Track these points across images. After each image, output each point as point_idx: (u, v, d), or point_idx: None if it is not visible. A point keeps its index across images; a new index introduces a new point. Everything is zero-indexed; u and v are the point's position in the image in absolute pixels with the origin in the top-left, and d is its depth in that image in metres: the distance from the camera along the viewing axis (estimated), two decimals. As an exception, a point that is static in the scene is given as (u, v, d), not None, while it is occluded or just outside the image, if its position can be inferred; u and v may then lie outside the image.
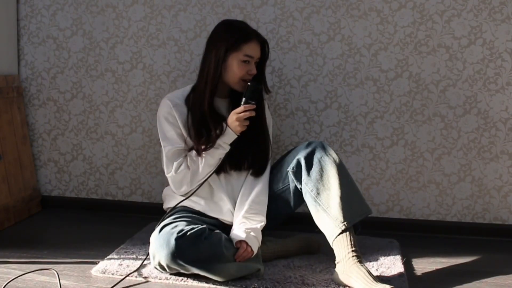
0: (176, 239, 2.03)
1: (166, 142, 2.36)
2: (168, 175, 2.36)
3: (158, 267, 2.14)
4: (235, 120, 2.25)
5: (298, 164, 2.30)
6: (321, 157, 2.26)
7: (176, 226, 2.12)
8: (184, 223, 2.18)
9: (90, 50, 3.04)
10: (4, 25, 2.97)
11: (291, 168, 2.31)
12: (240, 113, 2.25)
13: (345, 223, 2.12)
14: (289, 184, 2.38)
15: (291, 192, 2.38)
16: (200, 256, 2.05)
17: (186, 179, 2.33)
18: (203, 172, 2.32)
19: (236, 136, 2.30)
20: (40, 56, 3.09)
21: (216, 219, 2.37)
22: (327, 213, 2.17)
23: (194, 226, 2.12)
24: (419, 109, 2.82)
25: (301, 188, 2.30)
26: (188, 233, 2.05)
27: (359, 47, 2.82)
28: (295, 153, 2.36)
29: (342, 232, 2.12)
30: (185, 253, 2.04)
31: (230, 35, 2.34)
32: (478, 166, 2.83)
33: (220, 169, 2.37)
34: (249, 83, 2.28)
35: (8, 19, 3.00)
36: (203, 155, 2.30)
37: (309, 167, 2.27)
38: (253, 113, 2.26)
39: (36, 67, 3.11)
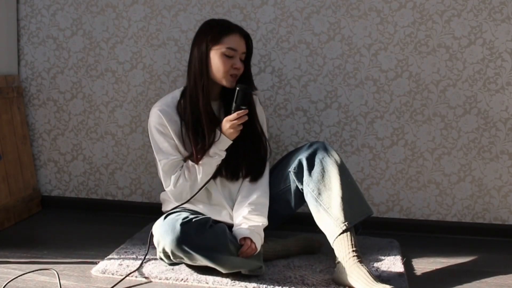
0: (182, 225, 2.04)
1: (160, 155, 2.33)
2: (167, 189, 2.34)
3: (162, 255, 2.15)
4: (229, 127, 2.23)
5: (300, 164, 2.30)
6: (322, 158, 2.27)
7: (180, 214, 2.15)
8: (188, 212, 2.21)
9: (90, 50, 3.05)
10: (4, 25, 2.97)
11: (293, 168, 2.32)
12: (234, 120, 2.22)
13: (346, 223, 2.13)
14: (290, 185, 2.38)
15: (292, 193, 2.38)
16: (204, 243, 2.06)
17: (186, 191, 2.32)
18: (202, 182, 2.31)
19: (231, 142, 2.29)
20: (40, 56, 3.10)
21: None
22: (328, 213, 2.18)
23: (199, 215, 2.15)
24: (419, 109, 2.83)
25: (302, 189, 2.30)
26: (194, 220, 2.08)
27: (359, 47, 2.83)
28: (297, 153, 2.36)
29: (343, 232, 2.13)
30: (190, 239, 2.04)
31: (211, 29, 2.31)
32: (478, 166, 2.84)
33: (215, 174, 2.35)
34: (237, 88, 2.23)
35: (8, 19, 3.01)
36: (200, 164, 2.29)
37: (310, 167, 2.27)
38: (246, 118, 2.23)
39: (36, 67, 3.11)
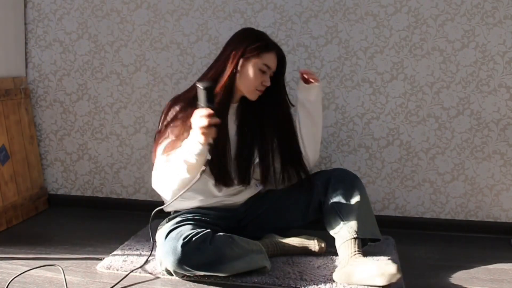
0: (182, 246, 2.04)
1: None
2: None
3: (165, 272, 2.16)
4: (198, 128, 1.96)
5: (328, 180, 2.38)
6: (350, 182, 2.35)
7: (181, 232, 2.12)
8: (189, 226, 2.18)
9: (95, 53, 3.08)
10: (12, 29, 3.00)
11: (321, 181, 2.40)
12: (202, 117, 1.94)
13: (358, 233, 2.21)
14: (311, 198, 2.43)
15: (310, 206, 2.44)
16: (205, 260, 2.07)
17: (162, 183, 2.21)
18: (175, 178, 2.12)
19: (200, 147, 1.98)
20: (47, 58, 3.13)
21: (219, 209, 2.40)
22: (344, 222, 2.26)
23: (199, 230, 2.13)
24: (414, 110, 2.86)
25: (323, 201, 2.38)
26: (193, 239, 2.06)
27: (355, 50, 2.86)
28: (323, 172, 2.46)
29: (353, 238, 2.21)
30: (191, 259, 2.05)
31: (253, 40, 2.28)
32: (471, 166, 2.87)
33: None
34: (200, 86, 1.95)
35: (16, 23, 3.03)
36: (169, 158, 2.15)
37: (335, 186, 2.35)
38: (217, 121, 1.96)
39: (43, 70, 3.14)
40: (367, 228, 2.28)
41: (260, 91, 2.30)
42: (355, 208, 2.27)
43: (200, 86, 1.94)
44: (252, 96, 2.31)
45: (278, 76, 2.35)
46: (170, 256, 2.06)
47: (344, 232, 2.24)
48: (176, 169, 2.07)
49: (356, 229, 2.22)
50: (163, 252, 2.10)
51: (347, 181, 2.35)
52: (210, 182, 2.31)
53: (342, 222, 2.26)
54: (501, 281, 2.26)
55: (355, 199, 2.30)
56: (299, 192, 2.46)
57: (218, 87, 2.20)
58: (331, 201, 2.33)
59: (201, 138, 1.95)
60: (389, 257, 2.07)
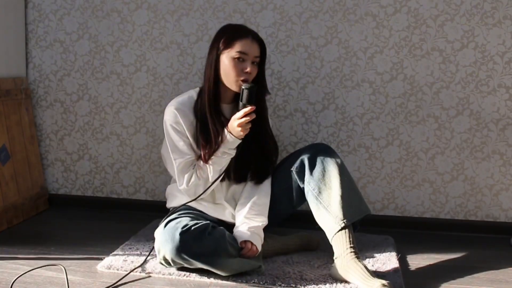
0: (181, 234, 2.06)
1: (176, 154, 2.33)
2: (180, 187, 2.35)
3: (163, 262, 2.17)
4: (237, 126, 2.20)
5: (302, 164, 2.35)
6: (323, 158, 2.31)
7: (180, 221, 2.16)
8: (188, 218, 2.21)
9: (95, 53, 3.08)
10: (12, 29, 3.00)
11: (295, 168, 2.36)
12: (241, 118, 2.19)
13: (344, 220, 2.18)
14: (292, 183, 2.41)
15: (294, 191, 2.42)
16: (203, 251, 2.08)
17: (199, 188, 2.33)
18: (213, 179, 2.32)
19: (240, 141, 2.27)
20: (47, 59, 3.13)
21: (218, 218, 2.41)
22: (327, 210, 2.23)
23: (198, 221, 2.15)
24: (413, 110, 2.87)
25: (303, 187, 2.34)
26: (193, 228, 2.08)
27: (355, 50, 2.87)
28: (299, 153, 2.40)
29: (342, 229, 2.18)
30: (189, 248, 2.06)
31: (224, 33, 2.33)
32: (470, 165, 2.87)
33: (223, 177, 2.36)
34: (242, 87, 2.20)
35: (17, 23, 3.04)
36: (210, 163, 2.30)
37: (312, 167, 2.32)
38: (253, 116, 2.20)
39: (43, 70, 3.14)
40: (353, 208, 2.24)
41: (243, 81, 2.28)
42: (335, 192, 2.23)
43: (243, 86, 2.20)
44: (236, 87, 2.30)
45: (260, 62, 2.36)
46: (168, 243, 2.08)
47: (331, 224, 2.21)
48: (218, 165, 2.31)
49: (342, 217, 2.19)
50: (161, 240, 2.12)
51: (321, 164, 2.31)
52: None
53: (326, 212, 2.23)
54: (501, 281, 2.27)
55: (333, 182, 2.25)
56: (282, 180, 2.45)
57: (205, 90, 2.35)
58: (310, 188, 2.30)
59: (241, 133, 2.23)
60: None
